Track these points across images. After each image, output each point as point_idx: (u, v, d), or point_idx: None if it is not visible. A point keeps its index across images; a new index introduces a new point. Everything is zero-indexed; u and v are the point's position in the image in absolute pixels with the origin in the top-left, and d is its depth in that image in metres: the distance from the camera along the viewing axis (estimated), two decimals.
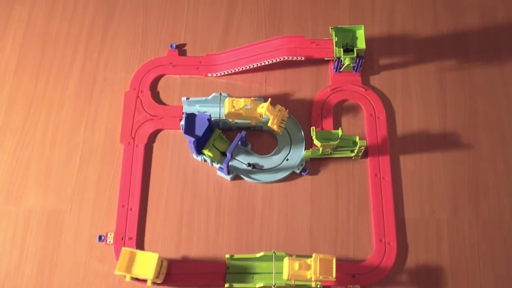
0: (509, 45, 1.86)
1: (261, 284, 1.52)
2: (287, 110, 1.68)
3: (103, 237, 1.62)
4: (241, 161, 1.68)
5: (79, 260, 1.60)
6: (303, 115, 1.75)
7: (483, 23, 1.89)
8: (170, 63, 1.83)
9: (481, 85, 1.81)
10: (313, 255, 1.47)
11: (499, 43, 1.87)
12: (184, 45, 1.87)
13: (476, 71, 1.82)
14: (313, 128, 1.62)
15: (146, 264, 1.48)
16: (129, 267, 1.48)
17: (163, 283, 1.56)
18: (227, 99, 1.64)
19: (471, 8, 1.92)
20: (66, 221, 1.65)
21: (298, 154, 1.70)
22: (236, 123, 1.70)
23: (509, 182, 1.69)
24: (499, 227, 1.64)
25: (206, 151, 1.64)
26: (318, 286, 1.50)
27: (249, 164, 1.68)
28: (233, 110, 1.63)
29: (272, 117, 1.64)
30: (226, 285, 1.54)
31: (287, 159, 1.69)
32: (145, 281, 1.50)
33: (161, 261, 1.52)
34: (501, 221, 1.64)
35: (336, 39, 1.71)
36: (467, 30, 1.88)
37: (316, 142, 1.61)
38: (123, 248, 1.49)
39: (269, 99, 1.65)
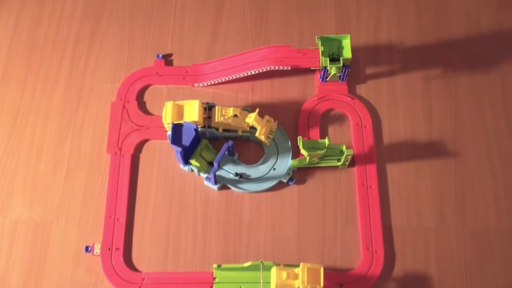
0: (493, 53, 1.88)
1: None
2: (276, 122, 1.69)
3: (89, 248, 1.61)
4: (228, 170, 1.68)
5: (66, 271, 1.60)
6: (290, 124, 1.75)
7: (468, 32, 1.91)
8: (157, 73, 1.83)
9: (467, 93, 1.82)
10: (301, 264, 1.47)
11: (483, 51, 1.88)
12: (170, 55, 1.87)
13: (461, 79, 1.84)
14: (299, 138, 1.62)
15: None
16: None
17: None
18: (216, 107, 1.65)
19: (455, 17, 1.93)
20: (52, 231, 1.64)
21: (285, 163, 1.70)
22: (223, 132, 1.70)
23: (495, 189, 1.70)
24: (485, 235, 1.64)
25: (193, 161, 1.64)
26: None
27: (236, 174, 1.68)
28: (221, 119, 1.64)
29: (259, 127, 1.65)
30: None
31: (274, 169, 1.69)
32: None
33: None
34: (488, 228, 1.65)
35: (322, 49, 1.71)
36: (452, 38, 1.90)
37: (303, 151, 1.61)
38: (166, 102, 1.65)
39: (257, 109, 1.65)
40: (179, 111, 1.65)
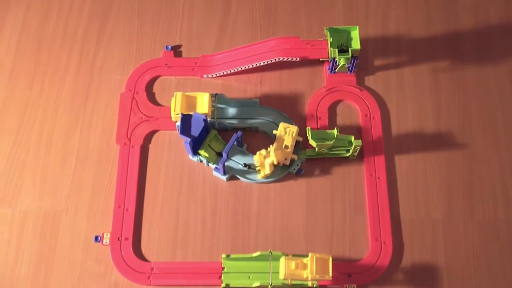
0: (502, 46, 1.88)
1: (258, 284, 1.53)
2: (271, 172, 1.66)
3: (99, 238, 1.62)
4: (237, 161, 1.69)
5: (75, 261, 1.60)
6: (298, 115, 1.75)
7: (477, 24, 1.91)
8: (166, 64, 1.84)
9: (475, 85, 1.82)
10: (309, 254, 1.48)
11: (492, 43, 1.88)
12: (179, 46, 1.88)
13: (469, 71, 1.84)
14: (308, 128, 1.63)
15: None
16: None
17: (157, 283, 1.57)
18: (283, 124, 1.65)
19: (464, 9, 1.93)
20: (62, 222, 1.65)
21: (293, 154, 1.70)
22: (231, 123, 1.71)
23: (503, 181, 1.70)
24: (493, 226, 1.65)
25: (202, 152, 1.64)
26: (315, 286, 1.51)
27: (245, 165, 1.68)
28: (281, 132, 1.64)
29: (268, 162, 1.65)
30: (223, 284, 1.55)
31: None
32: None
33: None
34: (495, 220, 1.65)
35: (331, 40, 1.71)
36: (461, 30, 1.90)
37: (311, 142, 1.62)
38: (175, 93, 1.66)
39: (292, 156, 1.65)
40: (188, 102, 1.65)
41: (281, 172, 1.68)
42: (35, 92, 1.81)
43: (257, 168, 1.65)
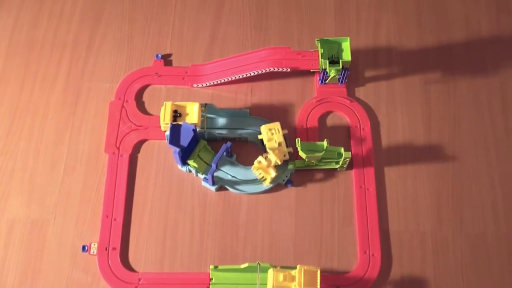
0: (493, 58, 1.88)
1: None
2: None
3: (86, 247, 1.61)
4: (226, 172, 1.68)
5: (62, 270, 1.59)
6: (288, 126, 1.75)
7: (467, 36, 1.91)
8: (156, 73, 1.83)
9: (465, 97, 1.82)
10: (298, 266, 1.47)
11: (483, 55, 1.88)
12: (169, 55, 1.87)
13: (460, 83, 1.84)
14: (298, 140, 1.62)
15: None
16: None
17: None
18: (263, 127, 1.66)
19: (455, 21, 1.93)
20: (49, 230, 1.64)
21: (283, 165, 1.69)
22: (221, 133, 1.70)
23: (493, 194, 1.70)
24: (482, 239, 1.64)
25: (191, 162, 1.64)
26: None
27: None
28: (268, 134, 1.65)
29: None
30: None
31: None
32: None
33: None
34: (485, 233, 1.65)
35: (322, 51, 1.71)
36: (452, 42, 1.90)
37: (301, 153, 1.62)
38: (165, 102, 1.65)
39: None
40: (178, 111, 1.65)
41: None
42: (24, 98, 1.80)
43: (259, 177, 1.65)
